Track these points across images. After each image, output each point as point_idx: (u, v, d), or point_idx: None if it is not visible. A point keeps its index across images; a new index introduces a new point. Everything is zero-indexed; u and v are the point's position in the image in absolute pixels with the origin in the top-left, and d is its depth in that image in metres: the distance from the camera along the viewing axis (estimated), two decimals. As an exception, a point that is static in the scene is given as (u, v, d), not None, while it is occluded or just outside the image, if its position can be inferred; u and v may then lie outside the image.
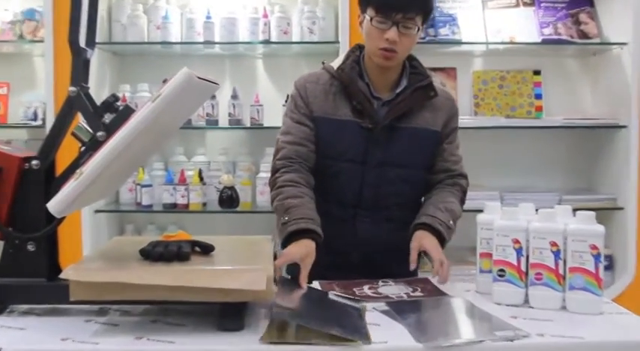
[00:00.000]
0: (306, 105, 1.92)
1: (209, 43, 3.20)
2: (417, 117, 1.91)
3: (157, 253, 1.43)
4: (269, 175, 1.94)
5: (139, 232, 3.37)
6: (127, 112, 1.45)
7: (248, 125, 3.21)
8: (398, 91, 1.92)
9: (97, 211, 3.14)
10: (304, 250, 1.68)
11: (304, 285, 1.62)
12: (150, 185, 3.17)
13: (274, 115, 3.18)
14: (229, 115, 3.20)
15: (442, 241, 1.82)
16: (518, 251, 1.55)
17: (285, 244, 1.75)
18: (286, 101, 2.96)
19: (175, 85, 1.33)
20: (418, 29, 1.84)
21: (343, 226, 1.91)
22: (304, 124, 1.91)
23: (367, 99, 1.88)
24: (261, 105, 3.19)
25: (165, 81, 1.36)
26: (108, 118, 1.48)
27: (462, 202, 1.98)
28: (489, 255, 1.62)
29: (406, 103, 1.89)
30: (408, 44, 1.85)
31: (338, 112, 1.90)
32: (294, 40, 3.22)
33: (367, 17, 1.84)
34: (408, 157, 1.90)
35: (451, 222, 1.86)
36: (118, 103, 1.51)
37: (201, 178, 3.17)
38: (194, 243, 1.53)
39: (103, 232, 3.22)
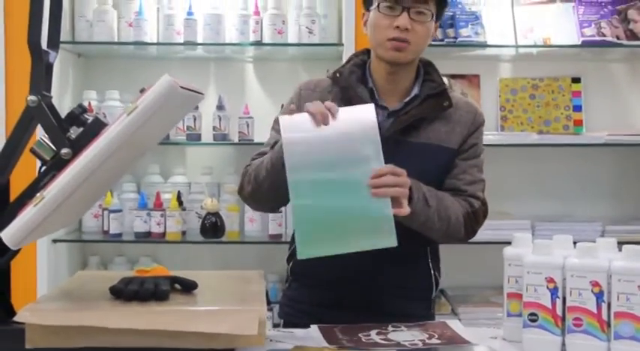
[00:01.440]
0: None
1: (190, 43, 3.22)
2: (429, 131, 1.93)
3: (130, 292, 1.44)
4: None
5: (105, 266, 3.38)
6: (97, 126, 1.47)
7: (236, 141, 3.24)
8: (407, 100, 1.95)
9: (56, 241, 3.14)
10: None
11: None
12: (119, 210, 3.18)
13: (266, 129, 3.15)
14: (214, 128, 3.22)
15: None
16: (553, 292, 1.56)
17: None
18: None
19: (155, 96, 1.34)
20: (433, 16, 1.89)
21: (334, 255, 1.92)
22: None
23: None
24: (251, 117, 3.22)
25: (142, 90, 1.38)
26: (74, 132, 1.50)
27: (467, 220, 1.90)
28: (519, 296, 1.63)
29: (414, 114, 1.91)
30: (422, 34, 1.88)
31: None
32: (290, 41, 3.24)
33: (373, 8, 1.89)
34: (415, 178, 1.90)
35: (433, 202, 1.81)
36: (86, 115, 1.52)
37: (181, 203, 3.19)
38: (174, 279, 1.54)
39: (62, 265, 3.22)
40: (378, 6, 1.88)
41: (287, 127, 1.72)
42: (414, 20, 1.86)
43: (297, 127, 1.71)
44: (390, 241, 1.66)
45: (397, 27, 1.85)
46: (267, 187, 1.87)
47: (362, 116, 1.72)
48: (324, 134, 1.70)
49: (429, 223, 1.84)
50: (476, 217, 1.93)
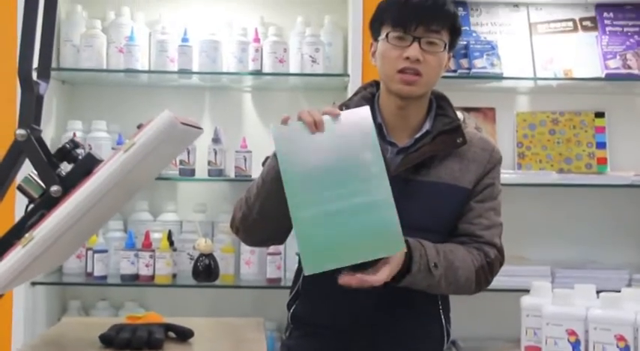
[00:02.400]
0: None
1: (185, 72, 3.26)
2: (441, 169, 1.95)
3: (122, 340, 1.47)
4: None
5: (87, 311, 3.38)
6: (90, 162, 1.49)
7: (232, 176, 3.25)
8: (417, 136, 1.98)
9: (35, 284, 3.13)
10: None
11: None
12: (105, 251, 3.18)
13: (265, 164, 3.22)
14: (209, 163, 3.24)
15: (406, 271, 1.82)
16: (575, 346, 1.57)
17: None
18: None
19: (154, 132, 1.37)
20: (445, 46, 1.92)
21: (340, 301, 1.93)
22: None
23: None
24: (249, 151, 3.23)
25: (140, 126, 1.41)
26: (65, 168, 1.53)
27: (480, 273, 1.92)
28: (537, 349, 1.64)
29: (424, 151, 1.94)
30: (434, 65, 1.91)
31: None
32: (291, 70, 3.28)
33: (382, 38, 1.93)
34: (425, 219, 1.93)
35: (438, 271, 1.83)
36: (78, 151, 1.55)
37: (171, 243, 3.19)
38: (168, 327, 1.57)
39: (40, 310, 3.21)
40: (386, 36, 1.91)
41: (279, 138, 1.77)
42: (425, 51, 1.89)
43: (291, 137, 1.76)
44: (398, 246, 1.72)
45: (407, 58, 1.89)
46: (258, 209, 1.90)
47: (358, 119, 1.77)
48: (320, 144, 1.75)
49: (432, 289, 1.88)
50: (491, 268, 1.95)
